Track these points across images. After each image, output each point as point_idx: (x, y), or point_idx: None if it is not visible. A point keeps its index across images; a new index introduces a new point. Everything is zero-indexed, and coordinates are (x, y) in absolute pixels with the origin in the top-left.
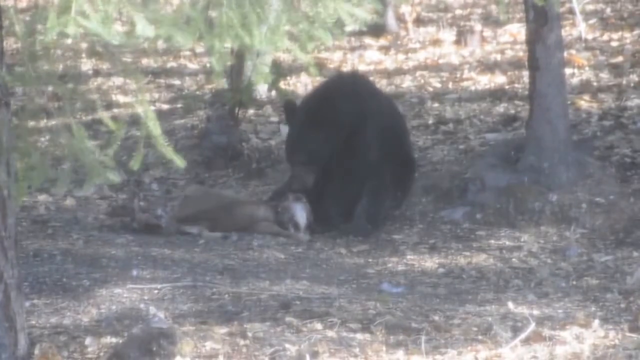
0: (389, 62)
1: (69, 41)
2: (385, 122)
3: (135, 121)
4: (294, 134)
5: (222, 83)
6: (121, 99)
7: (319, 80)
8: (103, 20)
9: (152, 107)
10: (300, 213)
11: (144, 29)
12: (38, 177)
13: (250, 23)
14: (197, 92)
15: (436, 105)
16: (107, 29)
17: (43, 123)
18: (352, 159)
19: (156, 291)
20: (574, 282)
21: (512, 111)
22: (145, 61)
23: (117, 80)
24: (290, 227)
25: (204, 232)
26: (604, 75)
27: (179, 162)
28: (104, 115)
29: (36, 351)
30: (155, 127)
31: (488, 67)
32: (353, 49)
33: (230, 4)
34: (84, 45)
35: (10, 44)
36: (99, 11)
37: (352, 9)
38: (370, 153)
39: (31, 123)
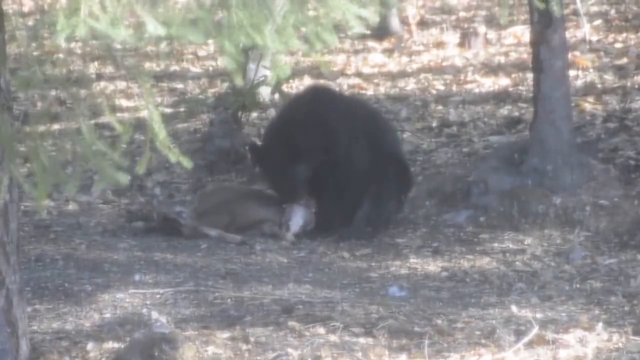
0: (393, 64)
1: (72, 44)
2: (359, 126)
3: (138, 125)
4: (274, 172)
5: (240, 80)
6: (124, 103)
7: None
8: (112, 21)
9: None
10: (296, 219)
11: (155, 28)
12: (48, 181)
13: (259, 23)
14: (200, 96)
15: (440, 107)
16: (117, 30)
17: (45, 127)
18: (335, 169)
19: (158, 296)
20: (578, 285)
21: (516, 113)
22: (148, 65)
23: (120, 84)
24: (283, 228)
25: (222, 234)
26: (609, 77)
27: (186, 163)
28: (112, 117)
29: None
30: (160, 130)
31: (492, 69)
32: (356, 52)
33: (239, 4)
34: (87, 49)
35: (13, 48)
36: (107, 12)
37: (359, 10)
38: (350, 160)
39: (35, 127)
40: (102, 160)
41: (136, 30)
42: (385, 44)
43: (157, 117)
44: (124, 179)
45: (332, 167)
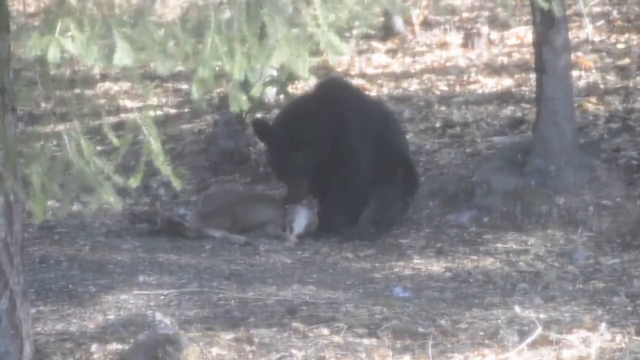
0: (396, 65)
1: None
2: (371, 125)
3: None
4: (276, 155)
5: (202, 108)
6: (128, 103)
7: None
8: (87, 40)
9: (159, 112)
10: (300, 220)
11: (122, 57)
12: (44, 198)
13: (234, 50)
14: (205, 96)
15: (443, 108)
16: (90, 51)
17: (49, 129)
18: (342, 165)
19: (162, 297)
20: (581, 286)
21: (519, 114)
22: (152, 65)
23: (125, 85)
24: (287, 229)
25: (227, 235)
26: (611, 78)
27: (177, 183)
28: (109, 132)
29: None
30: (156, 144)
31: (495, 69)
32: (360, 52)
33: (219, 28)
34: None
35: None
36: (85, 31)
37: (335, 38)
38: (358, 157)
39: (38, 129)
40: (98, 178)
41: (107, 55)
42: (389, 45)
43: (154, 132)
44: (118, 203)
45: (337, 163)
